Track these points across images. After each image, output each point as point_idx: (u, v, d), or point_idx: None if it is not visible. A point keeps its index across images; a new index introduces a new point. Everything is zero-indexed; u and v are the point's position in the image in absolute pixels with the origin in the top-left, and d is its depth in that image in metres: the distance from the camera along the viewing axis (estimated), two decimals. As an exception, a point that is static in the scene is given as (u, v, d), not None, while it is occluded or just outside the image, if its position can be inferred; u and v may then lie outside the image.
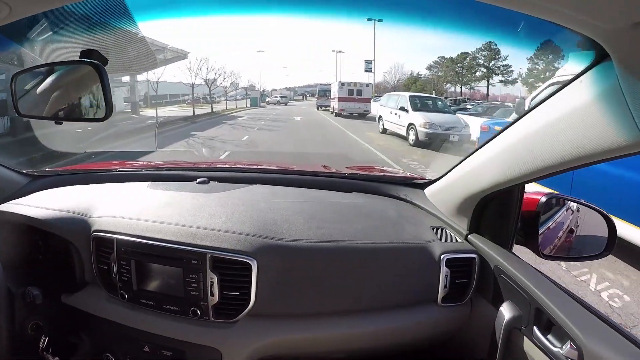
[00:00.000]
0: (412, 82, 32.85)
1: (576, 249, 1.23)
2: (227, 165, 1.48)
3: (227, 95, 26.18)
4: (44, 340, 1.04)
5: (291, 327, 0.94)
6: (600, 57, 0.59)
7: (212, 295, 0.88)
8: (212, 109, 21.32)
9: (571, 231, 1.19)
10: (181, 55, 19.48)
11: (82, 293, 1.04)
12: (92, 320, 1.02)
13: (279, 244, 0.92)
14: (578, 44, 0.65)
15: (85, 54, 0.84)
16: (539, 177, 0.82)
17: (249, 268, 0.88)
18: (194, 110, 18.46)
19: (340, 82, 18.02)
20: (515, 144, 0.82)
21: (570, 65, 0.70)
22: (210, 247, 0.89)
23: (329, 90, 20.40)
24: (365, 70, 29.22)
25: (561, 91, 0.70)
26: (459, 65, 30.65)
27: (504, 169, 0.85)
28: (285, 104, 29.90)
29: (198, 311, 0.90)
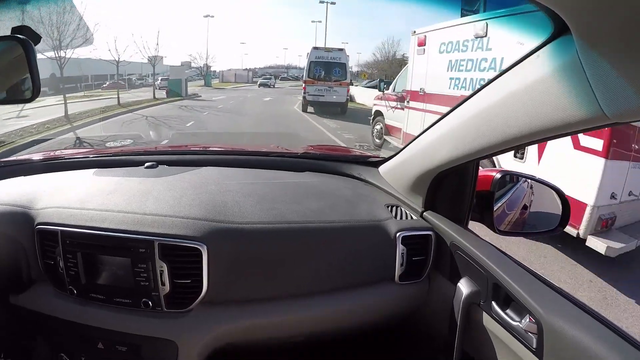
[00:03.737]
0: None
1: (531, 225, 1.27)
2: (176, 148, 1.44)
3: (156, 79, 19.18)
4: None
5: (247, 312, 0.92)
6: (559, 31, 0.58)
7: (163, 284, 0.85)
8: (118, 100, 13.92)
9: (525, 207, 1.23)
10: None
11: (30, 292, 0.97)
12: (43, 320, 0.95)
13: (230, 227, 0.89)
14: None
15: (16, 30, 0.79)
16: (494, 152, 0.82)
17: (199, 254, 0.84)
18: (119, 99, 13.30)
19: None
20: (470, 119, 0.81)
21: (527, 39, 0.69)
22: (158, 233, 0.85)
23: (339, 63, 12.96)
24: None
25: (517, 65, 0.69)
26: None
27: (459, 145, 0.85)
28: (269, 85, 26.29)
29: (150, 302, 0.86)
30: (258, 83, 26.42)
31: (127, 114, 11.45)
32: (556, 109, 0.61)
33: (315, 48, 13.53)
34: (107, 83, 21.52)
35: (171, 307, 0.87)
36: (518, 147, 0.78)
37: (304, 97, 12.75)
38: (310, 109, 12.80)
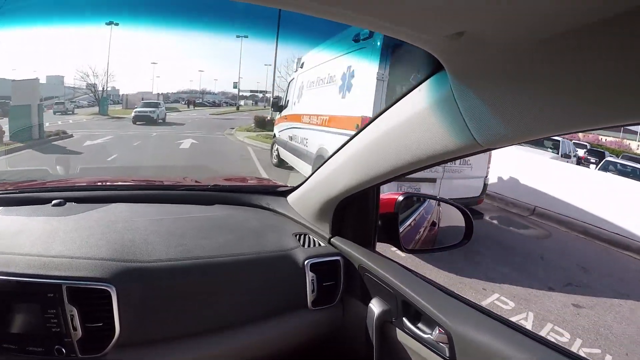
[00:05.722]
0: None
1: (440, 241, 1.37)
2: (84, 184, 1.36)
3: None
4: None
5: (163, 352, 0.88)
6: (436, 67, 0.63)
7: (75, 329, 0.80)
8: None
9: (434, 224, 1.32)
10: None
11: None
12: None
13: (137, 267, 0.86)
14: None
15: None
16: (388, 179, 0.87)
17: (108, 296, 0.81)
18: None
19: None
20: (363, 149, 0.86)
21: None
22: (65, 277, 0.81)
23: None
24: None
25: (403, 99, 0.74)
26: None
27: (356, 173, 0.89)
28: (155, 119, 14.44)
29: (63, 349, 0.81)
30: (132, 116, 14.63)
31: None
32: (436, 139, 0.66)
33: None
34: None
35: (85, 353, 0.82)
36: (411, 172, 0.83)
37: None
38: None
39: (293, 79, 6.73)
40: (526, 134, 0.56)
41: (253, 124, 14.02)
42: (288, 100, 6.72)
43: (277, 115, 7.49)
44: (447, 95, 0.61)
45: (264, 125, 13.09)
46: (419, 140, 0.70)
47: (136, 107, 15.94)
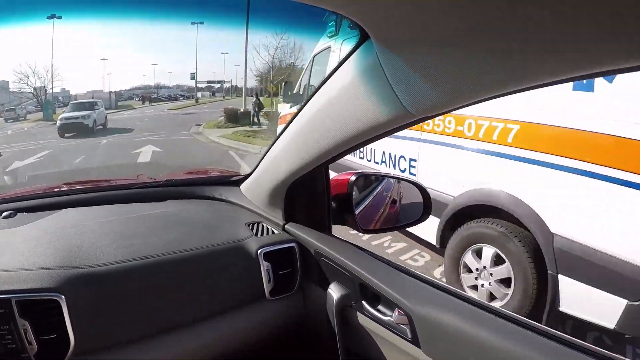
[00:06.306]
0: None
1: (402, 217, 1.36)
2: (33, 192, 1.30)
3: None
4: None
5: (120, 357, 0.85)
6: (363, 37, 0.61)
7: (30, 344, 0.77)
8: None
9: (394, 202, 1.30)
10: None
11: None
12: None
13: (85, 272, 0.83)
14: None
15: None
16: (333, 157, 0.84)
17: (59, 306, 0.78)
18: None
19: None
20: (301, 128, 0.83)
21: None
22: (14, 290, 0.77)
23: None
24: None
25: (335, 73, 0.72)
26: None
27: (299, 154, 0.86)
28: (94, 127, 10.58)
29: None
30: (57, 125, 10.80)
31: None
32: (367, 111, 0.64)
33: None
34: None
35: None
36: (352, 149, 0.81)
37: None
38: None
39: (325, 50, 4.30)
40: (457, 99, 0.55)
41: (223, 118, 11.88)
42: (312, 86, 4.57)
43: (285, 109, 5.16)
44: (374, 64, 0.59)
45: (237, 119, 11.51)
46: (352, 114, 0.68)
47: (63, 112, 11.35)
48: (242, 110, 11.80)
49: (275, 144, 0.97)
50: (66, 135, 10.34)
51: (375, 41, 0.57)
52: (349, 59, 0.66)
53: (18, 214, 1.10)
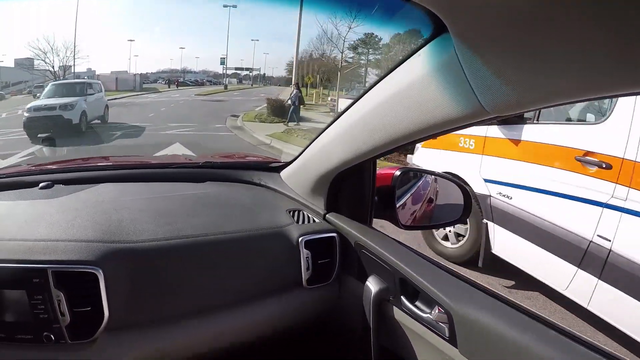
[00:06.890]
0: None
1: (436, 217, 1.35)
2: (72, 165, 1.32)
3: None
4: None
5: (156, 335, 0.86)
6: (437, 31, 0.60)
7: (63, 315, 0.78)
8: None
9: (430, 200, 1.30)
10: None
11: None
12: None
13: (125, 247, 0.84)
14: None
15: None
16: (386, 150, 0.84)
17: (95, 279, 0.78)
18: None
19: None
20: (361, 118, 0.82)
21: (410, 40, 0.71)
22: (51, 260, 0.78)
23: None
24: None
25: (401, 66, 0.71)
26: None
27: (352, 145, 0.86)
28: (80, 123, 6.92)
29: (52, 335, 0.78)
30: (23, 119, 7.02)
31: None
32: (438, 105, 0.63)
33: None
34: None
35: (75, 339, 0.80)
36: (409, 144, 0.81)
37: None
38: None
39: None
40: (536, 101, 0.54)
41: (261, 109, 9.84)
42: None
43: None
44: (451, 59, 0.58)
45: (282, 112, 9.84)
46: (419, 109, 0.67)
47: (32, 102, 7.74)
48: (288, 102, 10.25)
49: (324, 134, 0.96)
50: (39, 136, 6.60)
51: (454, 36, 0.56)
52: (419, 53, 0.65)
53: (55, 185, 1.11)
